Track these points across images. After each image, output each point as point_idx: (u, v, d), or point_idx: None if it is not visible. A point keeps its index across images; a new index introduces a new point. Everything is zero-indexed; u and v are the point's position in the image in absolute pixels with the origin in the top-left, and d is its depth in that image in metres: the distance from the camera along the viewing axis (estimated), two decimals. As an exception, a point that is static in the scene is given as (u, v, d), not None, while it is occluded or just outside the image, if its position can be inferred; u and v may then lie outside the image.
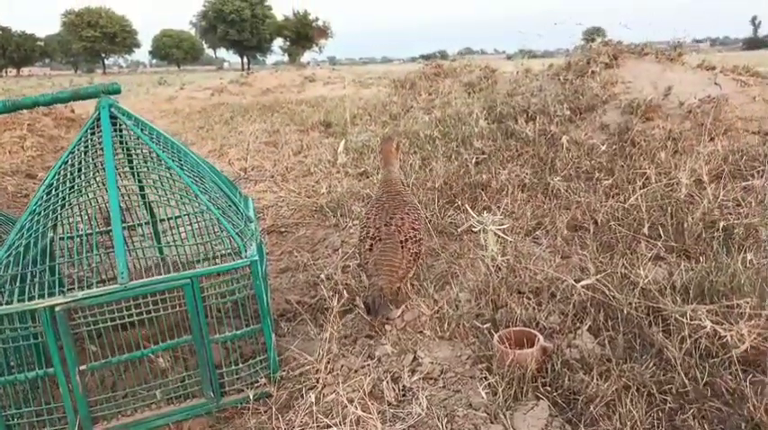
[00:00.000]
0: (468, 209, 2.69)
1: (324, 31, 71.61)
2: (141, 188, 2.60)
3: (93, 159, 2.19)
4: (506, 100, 5.26)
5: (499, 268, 2.52)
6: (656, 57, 4.92)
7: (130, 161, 2.44)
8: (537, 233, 3.12)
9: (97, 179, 2.20)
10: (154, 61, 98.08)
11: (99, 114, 2.21)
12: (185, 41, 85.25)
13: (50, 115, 9.21)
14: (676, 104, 4.17)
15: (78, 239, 2.29)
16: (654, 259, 2.56)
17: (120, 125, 2.29)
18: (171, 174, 2.26)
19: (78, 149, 2.17)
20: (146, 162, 2.31)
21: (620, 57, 4.96)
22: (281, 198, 4.60)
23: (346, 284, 2.97)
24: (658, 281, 2.29)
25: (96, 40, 73.25)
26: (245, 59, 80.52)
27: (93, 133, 2.21)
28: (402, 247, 2.45)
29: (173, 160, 2.31)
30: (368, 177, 4.78)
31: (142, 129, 2.36)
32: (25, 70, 77.34)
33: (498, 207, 3.39)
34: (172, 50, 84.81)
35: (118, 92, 2.37)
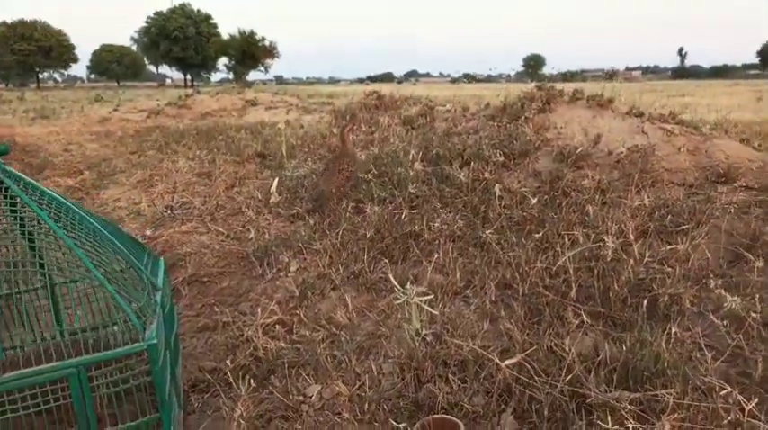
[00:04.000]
0: (392, 278, 2.56)
1: (270, 52, 70.97)
2: (35, 255, 2.37)
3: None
4: (443, 140, 5.22)
5: (424, 340, 2.40)
6: (587, 102, 5.00)
7: (23, 225, 2.22)
8: (467, 292, 3.03)
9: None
10: (92, 76, 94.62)
11: (-16, 176, 1.97)
12: (126, 57, 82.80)
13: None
14: (605, 152, 4.22)
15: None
16: (581, 325, 2.50)
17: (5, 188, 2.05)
18: (60, 245, 2.04)
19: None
20: (32, 230, 2.09)
21: (552, 101, 5.02)
22: (204, 244, 4.34)
23: (265, 349, 2.78)
24: (584, 354, 2.22)
25: (30, 53, 69.92)
26: (189, 77, 78.85)
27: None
28: (339, 172, 4.42)
29: (64, 228, 2.09)
30: (300, 220, 4.59)
31: (31, 194, 2.13)
32: (-51, 83, 73.04)
33: (429, 261, 3.29)
34: (111, 66, 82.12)
35: (6, 152, 2.15)
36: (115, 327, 2.43)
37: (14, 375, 1.75)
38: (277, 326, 3.02)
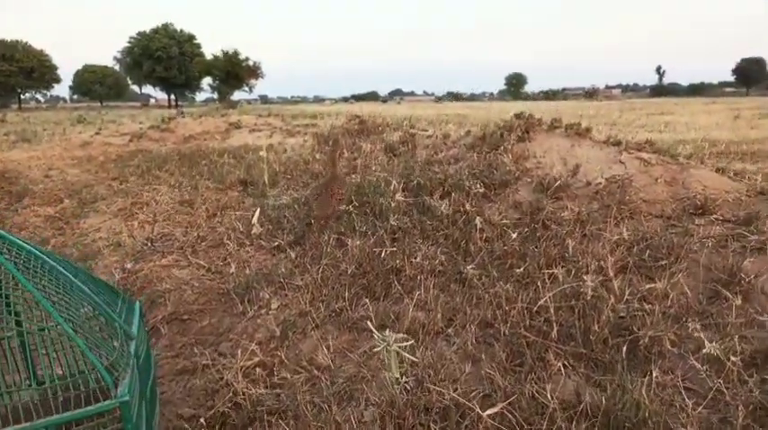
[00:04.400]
0: (371, 325, 2.54)
1: (254, 71, 71.07)
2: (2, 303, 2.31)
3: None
4: (424, 169, 5.23)
5: (405, 387, 2.37)
6: (566, 131, 5.05)
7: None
8: (448, 331, 3.01)
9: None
10: (75, 96, 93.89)
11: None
12: (109, 77, 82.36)
13: None
14: (584, 183, 4.25)
15: None
16: (563, 367, 2.49)
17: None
18: (29, 296, 2.00)
19: None
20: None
21: (531, 130, 5.07)
22: (184, 280, 4.28)
23: (245, 394, 2.73)
24: (566, 400, 2.21)
25: (12, 74, 69.28)
26: (173, 97, 78.59)
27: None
28: (332, 197, 4.44)
29: (33, 279, 2.04)
30: (282, 252, 4.55)
31: (-1, 245, 2.08)
32: (-72, 104, 71.89)
33: (411, 298, 3.27)
34: (94, 86, 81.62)
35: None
36: (89, 375, 2.38)
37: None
38: (257, 369, 2.97)
